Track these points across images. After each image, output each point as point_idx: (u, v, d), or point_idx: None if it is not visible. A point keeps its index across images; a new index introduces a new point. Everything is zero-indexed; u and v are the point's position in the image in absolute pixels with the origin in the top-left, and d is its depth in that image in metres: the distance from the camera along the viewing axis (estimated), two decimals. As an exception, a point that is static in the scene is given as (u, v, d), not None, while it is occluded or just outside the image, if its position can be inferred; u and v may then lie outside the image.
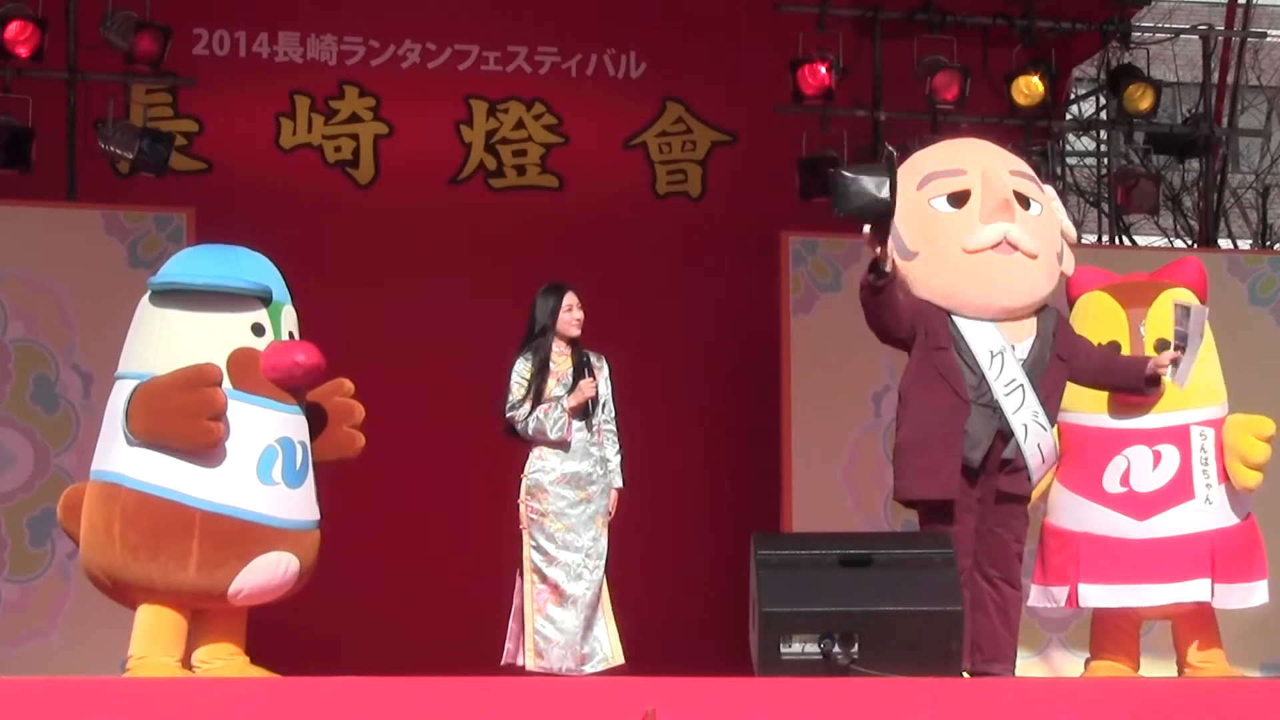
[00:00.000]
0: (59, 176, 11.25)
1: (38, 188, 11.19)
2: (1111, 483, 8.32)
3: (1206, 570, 8.24)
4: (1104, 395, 8.35)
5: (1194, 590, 8.25)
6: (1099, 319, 8.47)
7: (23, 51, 11.09)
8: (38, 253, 10.87)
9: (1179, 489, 8.29)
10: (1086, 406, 8.32)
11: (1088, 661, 8.65)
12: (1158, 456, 8.30)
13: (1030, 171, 8.31)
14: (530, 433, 8.84)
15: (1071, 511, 8.35)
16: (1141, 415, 8.34)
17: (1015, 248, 7.92)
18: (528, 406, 8.86)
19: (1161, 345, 8.38)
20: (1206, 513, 8.28)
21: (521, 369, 8.89)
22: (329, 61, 12.54)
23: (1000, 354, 7.87)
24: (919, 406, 7.88)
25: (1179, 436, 8.33)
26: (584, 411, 8.94)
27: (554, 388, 8.96)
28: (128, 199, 11.34)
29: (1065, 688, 8.03)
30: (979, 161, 8.10)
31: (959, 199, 7.96)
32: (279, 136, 12.48)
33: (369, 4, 12.50)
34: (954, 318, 7.90)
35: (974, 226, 7.91)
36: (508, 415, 8.87)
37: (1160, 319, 8.42)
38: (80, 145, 11.39)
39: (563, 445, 8.89)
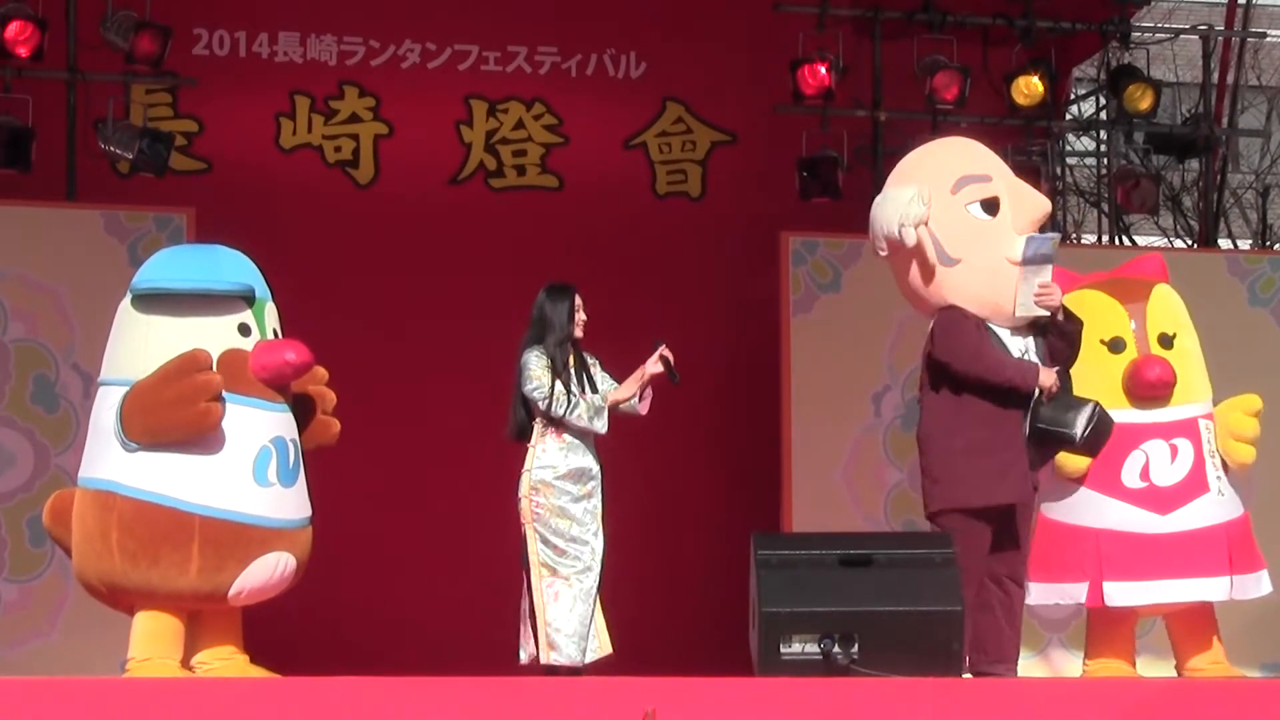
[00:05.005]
0: (59, 176, 11.25)
1: (38, 188, 11.19)
2: (1131, 478, 8.31)
3: (1224, 568, 8.26)
4: (1119, 389, 8.35)
5: (1214, 589, 8.26)
6: (1098, 315, 8.46)
7: (23, 51, 11.09)
8: (38, 253, 10.87)
9: (1196, 482, 8.31)
10: (1103, 402, 8.29)
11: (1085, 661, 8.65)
12: (1174, 450, 8.32)
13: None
14: (571, 418, 8.75)
15: (1088, 507, 8.32)
16: (1157, 408, 8.35)
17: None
18: (565, 393, 8.75)
19: (1164, 339, 8.40)
20: (1220, 504, 8.34)
21: (540, 361, 8.80)
22: (329, 61, 12.54)
23: (1025, 355, 7.97)
24: (976, 412, 7.87)
25: (1190, 429, 8.36)
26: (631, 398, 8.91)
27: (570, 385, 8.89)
28: (128, 199, 11.34)
29: (1065, 688, 8.04)
30: (996, 167, 8.16)
31: (991, 206, 7.98)
32: (279, 136, 12.47)
33: (369, 4, 12.49)
34: (990, 325, 7.95)
35: (1010, 236, 7.93)
36: (541, 402, 8.73)
37: (1159, 313, 8.45)
38: (80, 145, 11.39)
39: (591, 437, 8.84)
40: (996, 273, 7.91)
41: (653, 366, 8.88)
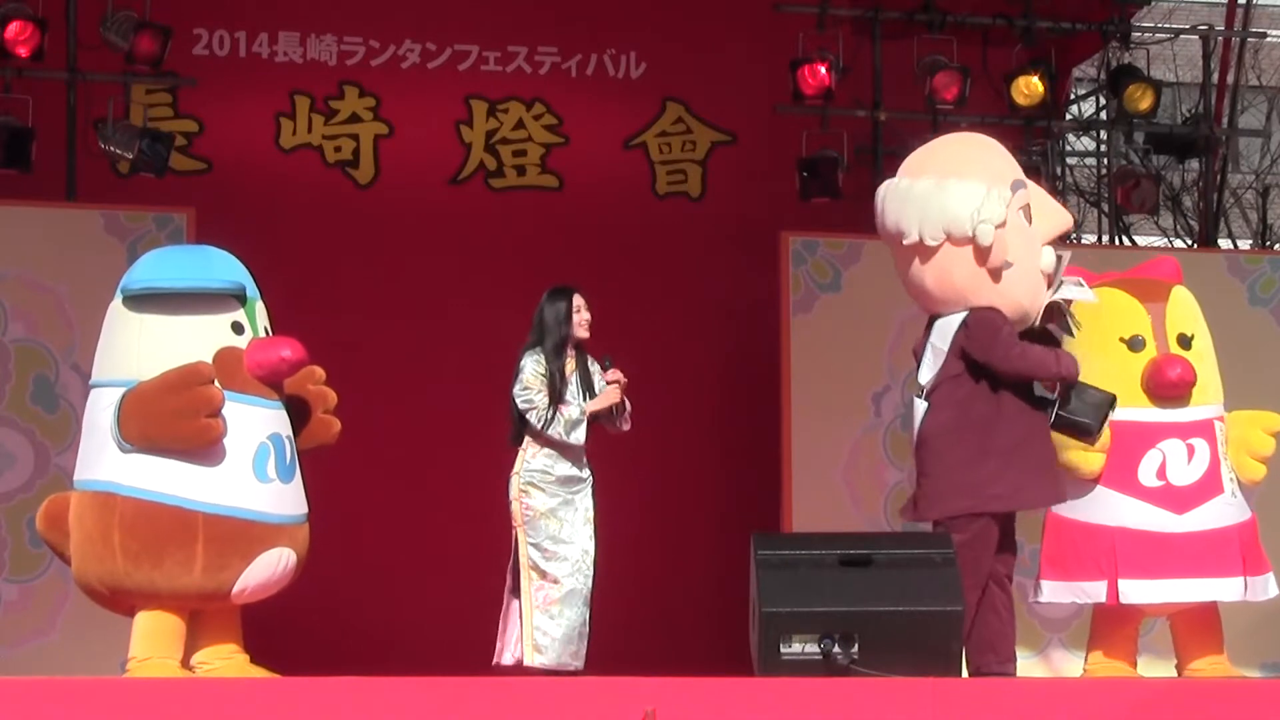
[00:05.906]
0: (59, 176, 11.25)
1: (38, 188, 11.20)
2: (1148, 476, 8.29)
3: (1238, 569, 8.25)
4: (1137, 387, 8.35)
5: (1228, 589, 8.26)
6: (1118, 313, 8.45)
7: (23, 51, 11.10)
8: (38, 253, 10.87)
9: (1211, 483, 8.30)
10: (1121, 401, 8.30)
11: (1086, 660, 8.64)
12: (1191, 450, 8.31)
13: None
14: (549, 433, 8.78)
15: (1104, 506, 8.30)
16: (1176, 407, 8.35)
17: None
18: (549, 406, 8.77)
19: (1183, 340, 8.40)
20: (1233, 506, 8.34)
21: (536, 369, 8.82)
22: (329, 61, 12.54)
23: None
24: (1016, 412, 7.94)
25: (1207, 430, 8.35)
26: (609, 413, 8.91)
27: (565, 391, 8.89)
28: (128, 199, 11.34)
29: (1065, 688, 8.03)
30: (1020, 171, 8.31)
31: (1028, 213, 8.08)
32: (279, 136, 12.48)
33: (369, 4, 12.50)
34: None
35: (1038, 246, 8.07)
36: (528, 414, 8.76)
37: (1178, 314, 8.45)
38: (80, 145, 11.39)
39: (577, 449, 8.86)
40: (1033, 281, 8.03)
41: (613, 393, 8.88)
